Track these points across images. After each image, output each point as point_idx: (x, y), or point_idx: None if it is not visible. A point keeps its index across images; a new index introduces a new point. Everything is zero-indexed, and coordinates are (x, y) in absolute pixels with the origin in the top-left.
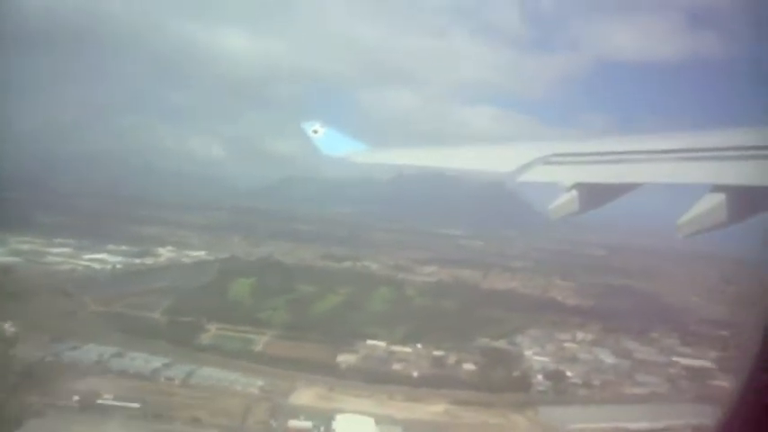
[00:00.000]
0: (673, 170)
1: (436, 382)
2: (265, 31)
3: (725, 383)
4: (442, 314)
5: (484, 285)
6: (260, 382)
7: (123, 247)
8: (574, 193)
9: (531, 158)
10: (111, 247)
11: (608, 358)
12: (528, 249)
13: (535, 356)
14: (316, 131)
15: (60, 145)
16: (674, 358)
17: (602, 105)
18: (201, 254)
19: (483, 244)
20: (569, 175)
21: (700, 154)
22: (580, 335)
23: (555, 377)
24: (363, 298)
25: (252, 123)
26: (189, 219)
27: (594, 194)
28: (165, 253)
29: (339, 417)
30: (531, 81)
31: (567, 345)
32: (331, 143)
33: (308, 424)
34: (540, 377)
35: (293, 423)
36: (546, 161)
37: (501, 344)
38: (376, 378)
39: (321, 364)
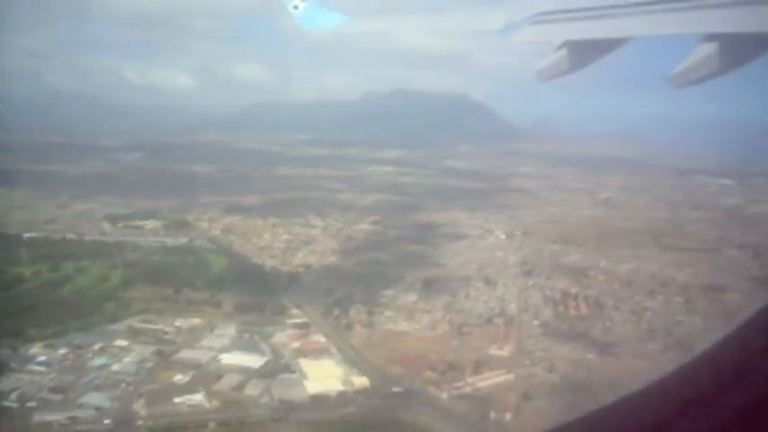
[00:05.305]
0: (665, 21)
1: None
2: None
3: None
4: (64, 301)
5: (248, 247)
6: None
7: None
8: (563, 52)
9: (519, 17)
10: None
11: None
12: (433, 173)
13: (36, 366)
14: (296, 7)
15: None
16: (219, 357)
17: None
18: None
19: (392, 169)
20: (560, 33)
21: (691, 3)
22: (179, 322)
23: None
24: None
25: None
26: (83, 168)
27: (585, 52)
28: None
29: None
30: None
31: (118, 342)
32: (314, 18)
33: None
34: None
35: None
36: (535, 20)
37: (37, 347)
38: None
39: None
